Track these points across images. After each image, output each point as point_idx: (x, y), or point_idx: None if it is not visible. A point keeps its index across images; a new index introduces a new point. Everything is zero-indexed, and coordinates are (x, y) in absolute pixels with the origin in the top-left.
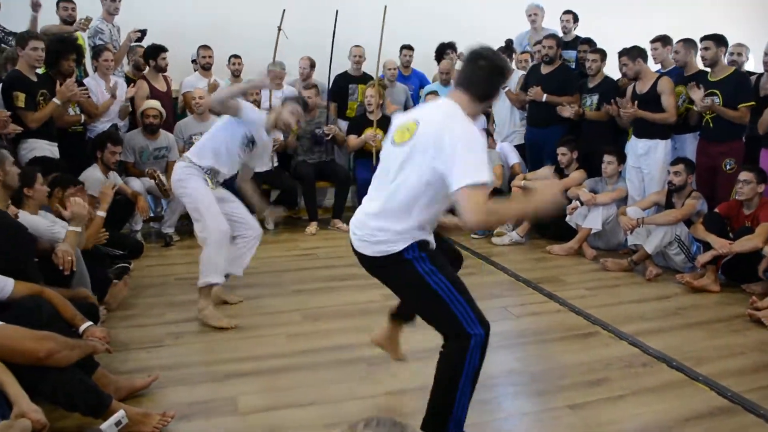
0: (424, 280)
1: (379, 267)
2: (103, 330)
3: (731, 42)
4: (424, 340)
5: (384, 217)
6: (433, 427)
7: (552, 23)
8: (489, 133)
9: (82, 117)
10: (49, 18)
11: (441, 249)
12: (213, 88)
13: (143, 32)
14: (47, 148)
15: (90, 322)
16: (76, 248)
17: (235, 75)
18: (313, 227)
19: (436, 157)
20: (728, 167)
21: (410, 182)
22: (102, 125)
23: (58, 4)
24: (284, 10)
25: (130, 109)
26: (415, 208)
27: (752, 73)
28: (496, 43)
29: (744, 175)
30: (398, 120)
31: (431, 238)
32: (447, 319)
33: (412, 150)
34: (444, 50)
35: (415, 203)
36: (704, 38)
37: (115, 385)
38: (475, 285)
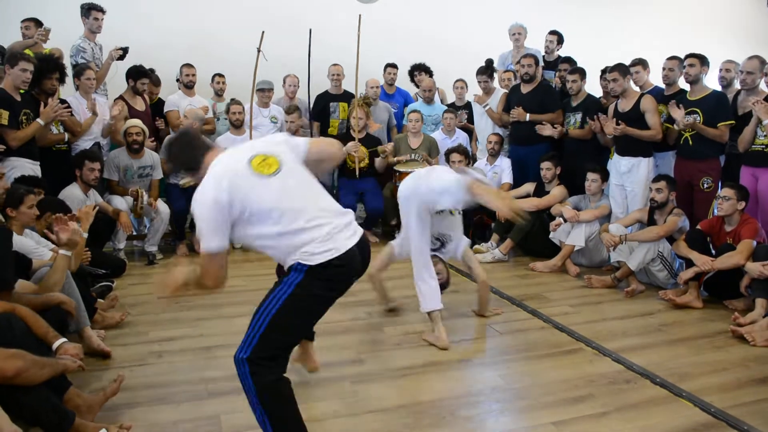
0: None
1: None
2: (77, 347)
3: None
4: (405, 359)
5: None
6: None
7: (534, 43)
8: (471, 153)
9: (66, 135)
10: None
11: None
12: (204, 111)
13: (125, 50)
14: (29, 167)
15: (63, 339)
16: (66, 271)
17: (219, 94)
18: None
19: None
20: (705, 186)
21: None
22: (85, 143)
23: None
24: (263, 32)
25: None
26: None
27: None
28: (478, 62)
29: (725, 192)
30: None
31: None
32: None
33: None
34: (414, 72)
35: None
36: (689, 56)
37: (88, 403)
38: (459, 302)
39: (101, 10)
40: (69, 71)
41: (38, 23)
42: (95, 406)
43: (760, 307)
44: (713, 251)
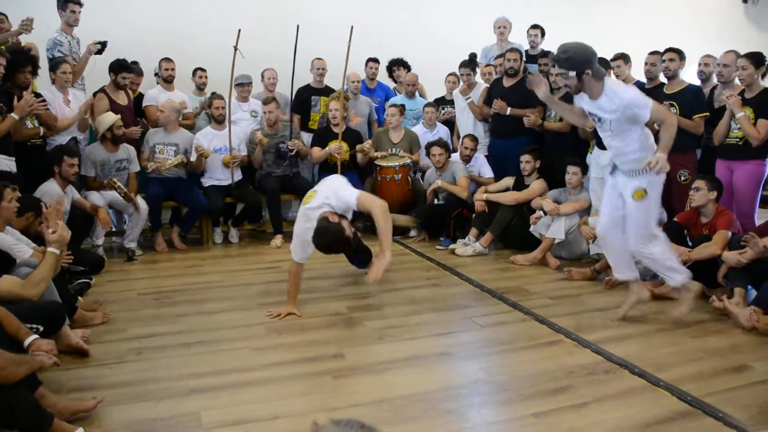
0: None
1: None
2: (50, 343)
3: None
4: (387, 353)
5: None
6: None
7: (517, 38)
8: (451, 147)
9: (41, 129)
10: None
11: None
12: (182, 106)
13: (103, 44)
14: (5, 163)
15: (35, 336)
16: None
17: (200, 88)
18: (278, 240)
19: None
20: (682, 178)
21: None
22: (62, 138)
23: None
24: (240, 30)
25: (90, 122)
26: None
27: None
28: (461, 56)
29: (696, 183)
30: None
31: None
32: None
33: None
34: (392, 67)
35: None
36: (668, 50)
37: (56, 406)
38: (440, 296)
39: (78, 3)
40: (46, 65)
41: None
42: (64, 411)
43: (738, 296)
44: (690, 243)
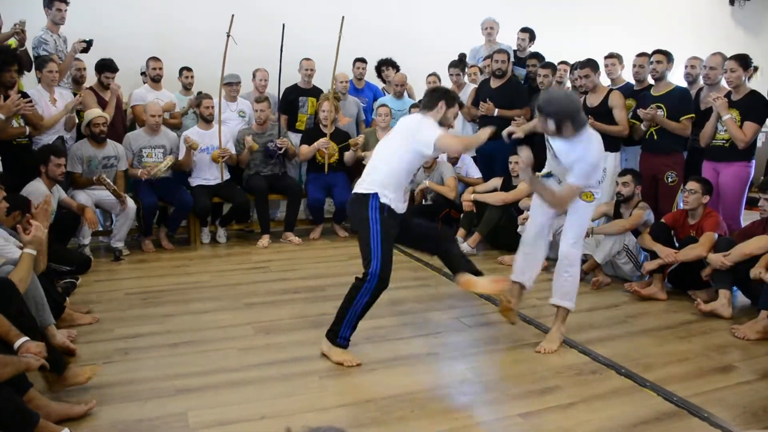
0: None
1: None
2: (39, 345)
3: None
4: (374, 353)
5: None
6: (330, 335)
7: (505, 39)
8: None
9: (27, 129)
10: None
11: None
12: (170, 107)
13: (89, 43)
14: None
15: (26, 338)
16: (32, 269)
17: (187, 88)
18: (265, 240)
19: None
20: (670, 180)
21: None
22: (48, 137)
23: None
24: (233, 15)
25: (77, 120)
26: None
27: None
28: (448, 57)
29: (691, 185)
30: None
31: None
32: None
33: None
34: (381, 67)
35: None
36: (656, 52)
37: (46, 409)
38: (429, 296)
39: (65, 1)
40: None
41: None
42: (53, 414)
43: (723, 297)
44: (677, 244)
